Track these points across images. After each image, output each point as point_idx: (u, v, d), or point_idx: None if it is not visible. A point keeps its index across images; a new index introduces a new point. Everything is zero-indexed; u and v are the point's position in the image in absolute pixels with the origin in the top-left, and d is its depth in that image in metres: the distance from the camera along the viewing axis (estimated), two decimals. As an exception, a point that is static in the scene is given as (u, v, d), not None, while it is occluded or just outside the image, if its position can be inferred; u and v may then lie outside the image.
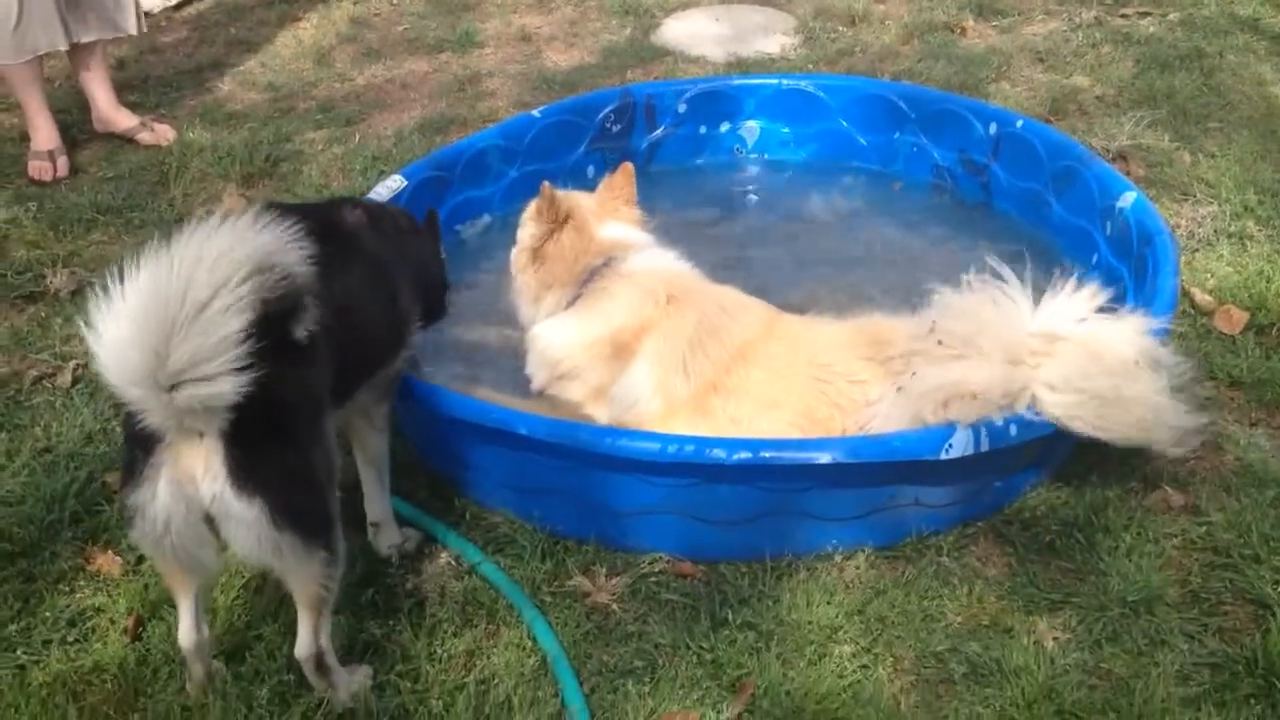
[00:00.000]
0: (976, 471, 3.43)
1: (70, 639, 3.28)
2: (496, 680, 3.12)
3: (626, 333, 3.71)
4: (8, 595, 3.39)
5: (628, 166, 4.09)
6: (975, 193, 5.25)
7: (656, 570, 3.45)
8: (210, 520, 2.63)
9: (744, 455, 3.20)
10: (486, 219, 5.09)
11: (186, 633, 2.97)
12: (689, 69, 6.92)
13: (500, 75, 6.95)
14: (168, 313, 2.35)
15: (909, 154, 5.42)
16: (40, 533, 3.60)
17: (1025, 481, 3.64)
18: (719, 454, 3.21)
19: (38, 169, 5.87)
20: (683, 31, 7.48)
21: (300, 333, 2.64)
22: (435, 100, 6.66)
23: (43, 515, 3.64)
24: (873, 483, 3.35)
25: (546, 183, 3.83)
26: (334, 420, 3.16)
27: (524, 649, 3.21)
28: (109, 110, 6.25)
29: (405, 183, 4.63)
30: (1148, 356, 3.41)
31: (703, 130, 5.60)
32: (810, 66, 6.85)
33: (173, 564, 2.82)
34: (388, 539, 3.52)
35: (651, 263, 3.87)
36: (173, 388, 2.41)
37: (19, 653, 3.23)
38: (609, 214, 3.97)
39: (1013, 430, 3.30)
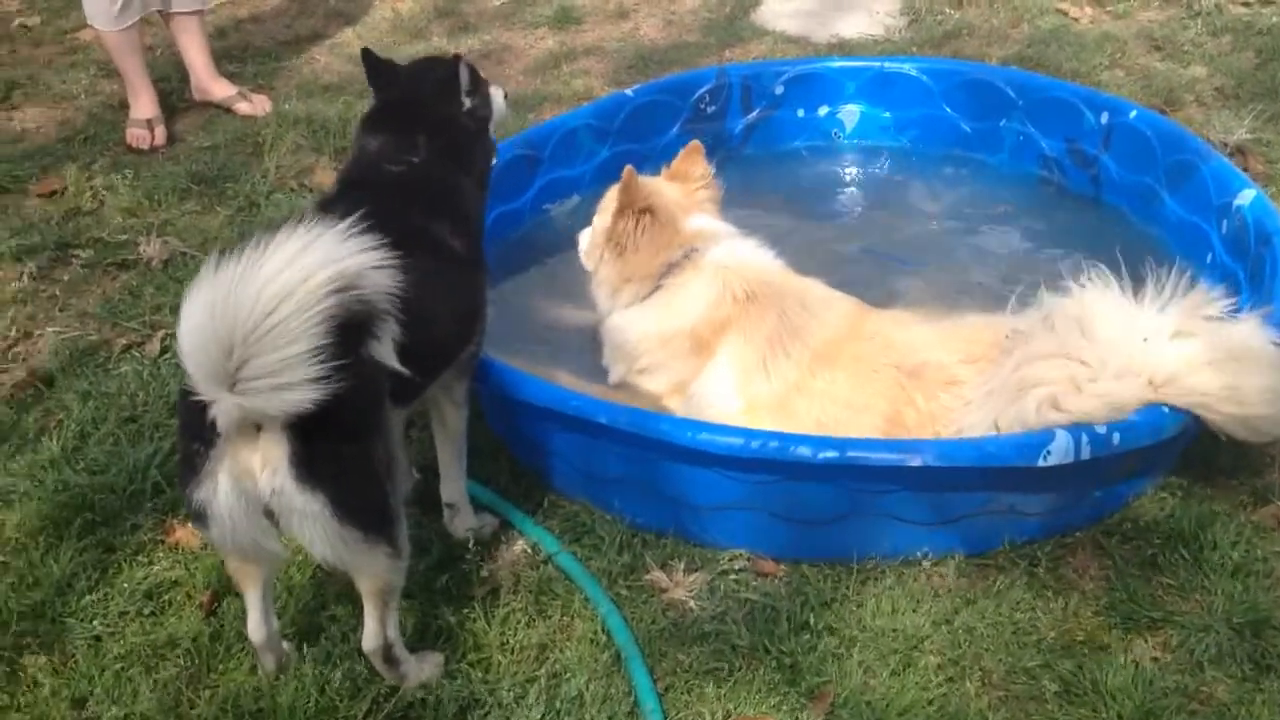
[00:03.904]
0: (1076, 480, 3.28)
1: (147, 611, 3.27)
2: (569, 674, 3.05)
3: (705, 329, 3.62)
4: (87, 565, 3.39)
5: (695, 145, 3.99)
6: (1084, 185, 5.04)
7: (737, 568, 3.35)
8: (271, 514, 2.59)
9: (830, 455, 3.09)
10: (576, 199, 4.98)
11: (256, 626, 2.95)
12: (789, 49, 6.78)
13: (596, 53, 6.86)
14: (243, 322, 2.32)
15: (1015, 143, 5.22)
16: (122, 503, 3.60)
17: (1128, 492, 3.47)
18: (804, 452, 3.10)
19: (136, 137, 5.90)
20: (784, 10, 7.33)
21: (374, 352, 2.59)
22: (530, 77, 6.60)
23: (125, 485, 3.64)
24: (965, 488, 3.21)
25: (630, 168, 3.72)
26: (402, 414, 3.12)
27: (597, 643, 3.13)
28: (207, 79, 6.27)
29: (494, 160, 4.55)
30: (1268, 353, 3.25)
31: (800, 113, 5.46)
32: (914, 49, 6.68)
33: (239, 558, 2.81)
34: (464, 522, 3.46)
35: (732, 255, 3.76)
36: (246, 391, 2.38)
37: (95, 623, 3.23)
38: (690, 201, 3.85)
39: (1116, 438, 3.15)
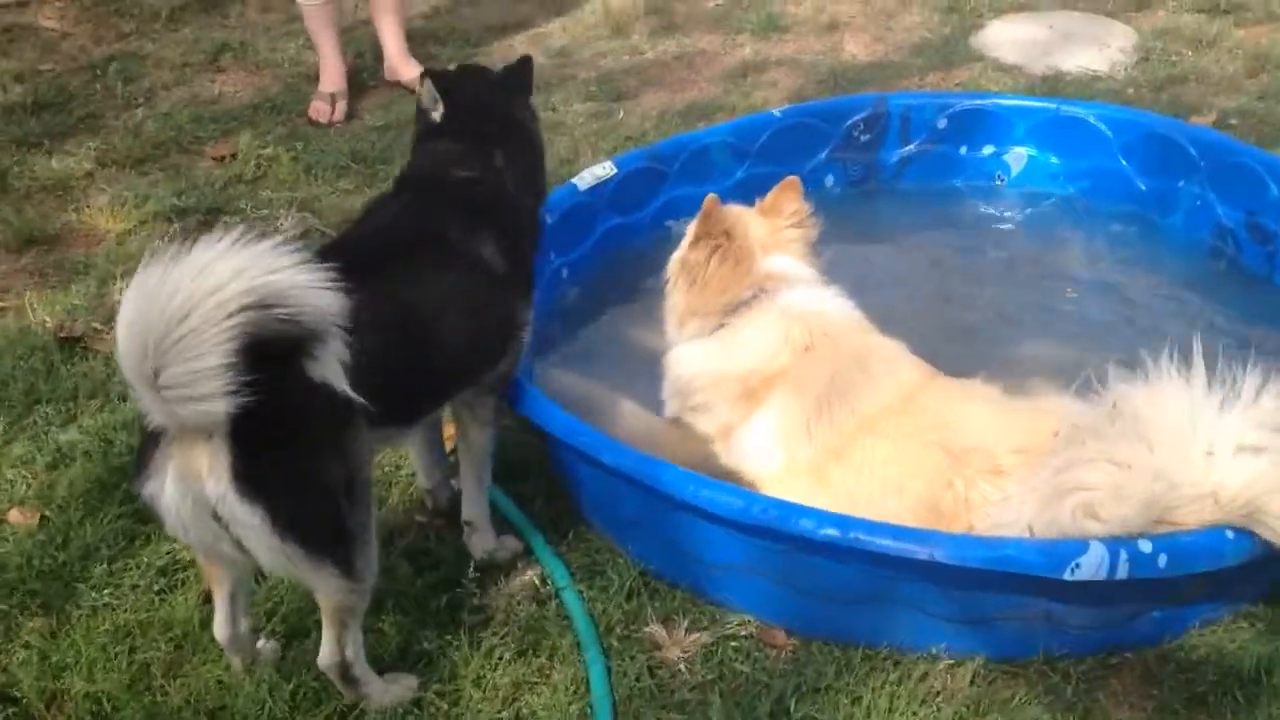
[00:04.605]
0: (1124, 597, 2.94)
1: (155, 588, 3.29)
2: (533, 720, 2.93)
3: (756, 377, 3.40)
4: (117, 533, 3.45)
5: (792, 181, 3.72)
6: (1258, 263, 4.55)
7: (742, 634, 3.15)
8: (219, 519, 2.55)
9: (832, 532, 2.85)
10: (703, 218, 4.81)
11: (220, 625, 2.94)
12: (998, 79, 6.41)
13: (789, 64, 6.65)
14: (155, 329, 2.28)
15: (1191, 207, 4.76)
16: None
17: (1196, 616, 3.10)
18: (806, 525, 2.87)
19: (317, 109, 6.07)
20: (1006, 37, 6.94)
21: (317, 371, 2.52)
22: (713, 84, 6.46)
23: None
24: (987, 588, 2.92)
25: (713, 196, 3.54)
26: (415, 430, 3.12)
27: (572, 693, 2.98)
28: (397, 59, 6.40)
29: (615, 171, 4.46)
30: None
31: (963, 150, 5.14)
32: (1131, 91, 6.23)
33: (201, 555, 2.82)
34: (481, 543, 3.38)
35: (802, 303, 3.51)
36: (166, 398, 2.35)
37: (104, 593, 3.27)
38: (774, 239, 3.63)
39: (1162, 560, 2.79)
